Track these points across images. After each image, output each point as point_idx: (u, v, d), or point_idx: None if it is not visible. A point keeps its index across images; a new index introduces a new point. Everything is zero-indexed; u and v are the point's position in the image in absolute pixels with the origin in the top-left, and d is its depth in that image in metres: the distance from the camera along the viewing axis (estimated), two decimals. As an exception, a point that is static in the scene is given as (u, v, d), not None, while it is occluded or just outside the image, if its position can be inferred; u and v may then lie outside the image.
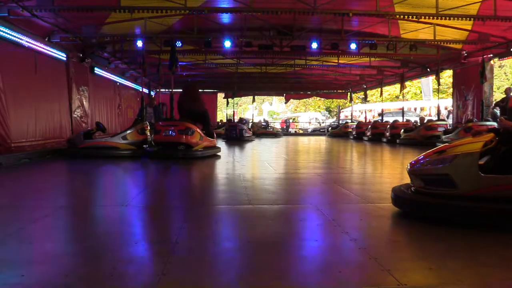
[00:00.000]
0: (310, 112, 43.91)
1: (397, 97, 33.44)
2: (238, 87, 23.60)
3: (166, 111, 14.95)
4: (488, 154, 3.39)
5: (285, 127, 32.01)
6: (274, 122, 35.21)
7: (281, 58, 16.04)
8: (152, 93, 20.51)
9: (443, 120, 16.32)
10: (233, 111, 24.07)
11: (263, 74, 19.78)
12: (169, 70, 10.20)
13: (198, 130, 9.10)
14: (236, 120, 19.56)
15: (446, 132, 12.84)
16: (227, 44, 11.80)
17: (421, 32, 11.58)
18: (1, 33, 8.35)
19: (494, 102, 13.68)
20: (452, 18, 9.47)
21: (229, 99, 24.82)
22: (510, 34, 11.09)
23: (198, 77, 21.19)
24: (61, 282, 2.13)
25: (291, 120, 35.60)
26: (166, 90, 21.30)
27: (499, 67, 34.22)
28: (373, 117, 29.98)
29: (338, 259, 2.54)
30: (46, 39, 10.32)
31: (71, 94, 11.61)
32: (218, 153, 9.97)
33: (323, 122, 34.69)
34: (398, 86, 20.70)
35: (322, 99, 39.63)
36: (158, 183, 6.26)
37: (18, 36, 8.96)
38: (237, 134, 16.82)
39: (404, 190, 3.64)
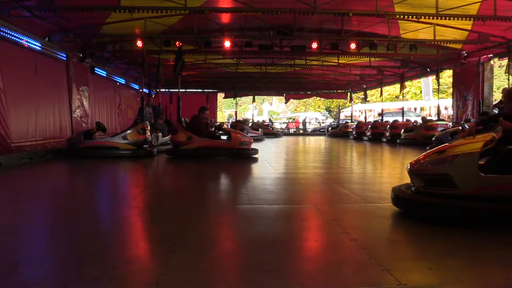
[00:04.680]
0: (310, 112, 43.93)
1: (397, 97, 33.47)
2: (238, 87, 23.62)
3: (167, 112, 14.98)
4: (488, 154, 3.39)
5: (301, 126, 31.97)
6: (274, 122, 35.21)
7: (281, 58, 16.03)
8: (152, 94, 20.54)
9: (443, 120, 16.32)
10: (235, 111, 24.18)
11: (263, 74, 19.78)
12: (173, 72, 10.24)
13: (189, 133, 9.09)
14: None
15: (446, 132, 12.83)
16: (227, 44, 11.80)
17: (421, 32, 11.58)
18: (1, 33, 8.34)
19: (493, 103, 13.67)
20: (452, 18, 9.47)
21: (232, 101, 24.80)
22: (510, 34, 11.09)
23: (198, 77, 21.19)
24: (61, 282, 2.13)
25: (307, 120, 35.41)
26: (166, 90, 21.30)
27: (499, 67, 34.20)
28: (373, 117, 30.01)
29: (338, 259, 2.53)
30: (46, 39, 10.32)
31: (71, 94, 11.61)
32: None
33: (323, 122, 34.69)
34: (398, 86, 20.70)
35: (322, 99, 39.64)
36: (158, 183, 6.26)
37: (18, 36, 8.96)
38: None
39: (404, 190, 3.63)
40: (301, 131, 29.54)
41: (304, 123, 32.84)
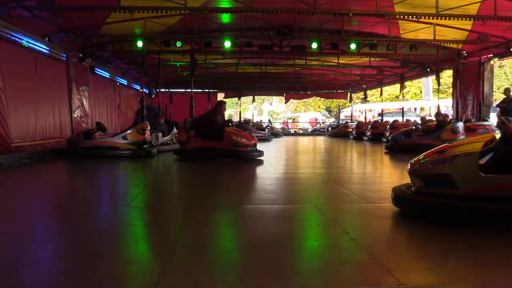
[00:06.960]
0: (310, 112, 43.94)
1: (397, 97, 33.45)
2: (241, 87, 23.62)
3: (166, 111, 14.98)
4: (488, 154, 3.39)
5: (316, 126, 32.12)
6: (274, 122, 35.24)
7: (281, 58, 16.03)
8: (153, 94, 20.52)
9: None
10: (240, 111, 24.29)
11: (263, 74, 19.77)
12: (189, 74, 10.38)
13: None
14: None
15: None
16: (227, 44, 11.80)
17: (421, 32, 11.58)
18: (1, 33, 8.34)
19: (494, 103, 13.67)
20: (452, 18, 9.47)
21: (231, 101, 24.84)
22: (510, 34, 11.09)
23: (198, 77, 21.19)
24: (61, 282, 2.13)
25: (321, 121, 35.33)
26: (166, 90, 21.29)
27: (499, 67, 34.23)
28: (373, 117, 30.01)
29: (338, 259, 2.53)
30: (46, 39, 10.31)
31: (71, 94, 11.61)
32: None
33: (323, 122, 34.69)
34: (398, 86, 20.70)
35: (322, 99, 39.64)
36: (158, 183, 6.26)
37: (18, 36, 8.96)
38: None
39: (404, 190, 3.63)
40: (322, 130, 29.54)
41: (317, 122, 33.05)
